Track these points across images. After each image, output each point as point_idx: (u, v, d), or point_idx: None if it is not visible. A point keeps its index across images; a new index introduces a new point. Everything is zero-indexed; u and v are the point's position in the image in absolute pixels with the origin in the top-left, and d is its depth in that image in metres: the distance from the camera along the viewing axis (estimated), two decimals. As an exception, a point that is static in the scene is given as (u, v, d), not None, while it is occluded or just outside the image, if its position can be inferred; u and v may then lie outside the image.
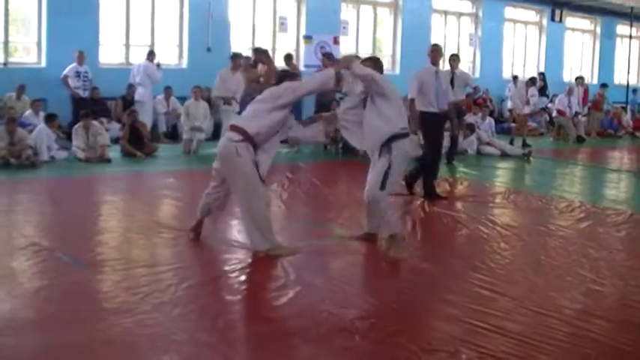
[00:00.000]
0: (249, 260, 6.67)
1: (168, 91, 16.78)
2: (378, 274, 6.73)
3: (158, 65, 16.30)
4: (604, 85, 23.85)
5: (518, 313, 5.52)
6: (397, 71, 22.56)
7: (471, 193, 11.17)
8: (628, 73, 27.25)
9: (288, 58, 16.11)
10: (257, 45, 18.61)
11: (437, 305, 5.73)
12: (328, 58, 15.83)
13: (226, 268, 6.41)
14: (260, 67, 15.29)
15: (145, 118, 15.12)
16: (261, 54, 15.28)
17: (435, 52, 10.83)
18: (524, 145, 17.43)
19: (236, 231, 7.73)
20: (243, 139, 6.79)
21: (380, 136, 7.10)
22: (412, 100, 10.56)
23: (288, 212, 9.03)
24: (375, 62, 7.40)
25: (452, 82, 13.64)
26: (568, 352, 4.83)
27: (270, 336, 4.85)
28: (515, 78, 22.76)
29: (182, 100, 15.97)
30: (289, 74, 7.52)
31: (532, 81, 20.13)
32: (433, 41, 23.02)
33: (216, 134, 16.44)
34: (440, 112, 10.61)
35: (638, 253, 7.65)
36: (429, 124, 10.59)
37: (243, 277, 6.12)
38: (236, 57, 15.43)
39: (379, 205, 7.12)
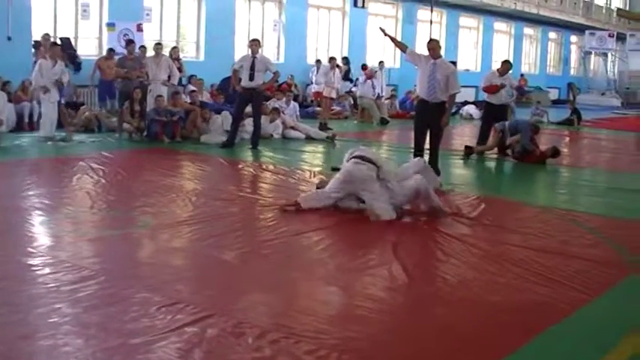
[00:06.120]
0: (55, 252, 6.60)
1: (-35, 81, 16.11)
2: (187, 261, 6.83)
3: None
4: None
5: (327, 293, 5.80)
6: (202, 57, 22.63)
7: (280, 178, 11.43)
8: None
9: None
10: (59, 33, 18.28)
11: (247, 290, 5.84)
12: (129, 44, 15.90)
13: (31, 262, 6.28)
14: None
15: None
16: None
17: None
18: (326, 128, 17.90)
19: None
20: None
21: None
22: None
23: (92, 201, 8.92)
24: None
25: (252, 66, 13.99)
26: (373, 326, 5.09)
27: (71, 327, 4.85)
28: (318, 62, 23.29)
29: (-18, 91, 15.45)
30: None
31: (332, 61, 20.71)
32: (238, 27, 23.35)
33: (18, 126, 16.01)
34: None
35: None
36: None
37: (47, 270, 6.03)
38: (41, 44, 15.17)
39: None
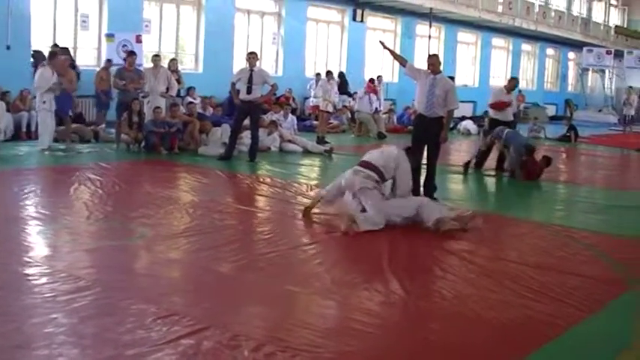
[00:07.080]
0: (51, 262, 6.58)
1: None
2: (183, 273, 6.84)
3: None
4: None
5: (323, 306, 5.80)
6: (200, 69, 22.65)
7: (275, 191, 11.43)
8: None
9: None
10: (59, 43, 18.26)
11: (244, 302, 5.86)
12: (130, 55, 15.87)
13: (27, 271, 6.28)
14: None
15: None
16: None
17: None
18: (323, 141, 17.91)
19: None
20: None
21: None
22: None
23: (90, 212, 8.89)
24: None
25: (250, 79, 14.03)
26: (369, 340, 5.10)
27: (67, 337, 4.84)
28: (317, 75, 23.32)
29: (-19, 100, 15.45)
30: None
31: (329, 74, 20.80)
32: (236, 40, 23.41)
33: (16, 135, 16.00)
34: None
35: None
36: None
37: (43, 280, 6.02)
38: (40, 54, 15.25)
39: None
